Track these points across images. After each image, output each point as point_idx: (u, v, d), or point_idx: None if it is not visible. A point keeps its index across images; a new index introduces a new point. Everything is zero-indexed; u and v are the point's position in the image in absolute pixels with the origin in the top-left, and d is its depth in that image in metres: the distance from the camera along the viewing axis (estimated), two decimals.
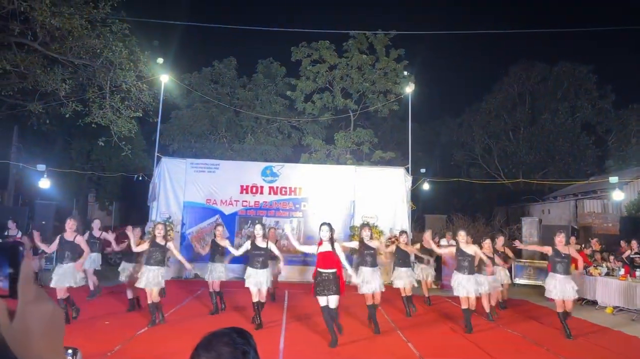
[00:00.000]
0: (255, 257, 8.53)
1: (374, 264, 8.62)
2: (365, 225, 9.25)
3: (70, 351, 1.57)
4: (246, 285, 8.53)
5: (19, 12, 12.98)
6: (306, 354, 7.05)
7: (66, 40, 14.31)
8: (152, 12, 20.83)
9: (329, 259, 7.31)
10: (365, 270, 8.57)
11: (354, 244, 9.10)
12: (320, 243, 7.49)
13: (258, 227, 8.72)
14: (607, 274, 11.75)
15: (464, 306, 8.69)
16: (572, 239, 12.84)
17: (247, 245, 8.73)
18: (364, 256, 8.67)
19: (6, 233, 12.35)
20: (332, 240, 7.44)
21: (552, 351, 7.50)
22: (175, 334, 7.82)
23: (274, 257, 9.22)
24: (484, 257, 9.08)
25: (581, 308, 11.66)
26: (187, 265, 9.33)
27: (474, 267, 8.80)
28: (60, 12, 13.22)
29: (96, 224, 11.57)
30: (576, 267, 9.52)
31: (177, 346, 7.00)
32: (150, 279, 8.35)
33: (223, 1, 47.10)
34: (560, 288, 8.41)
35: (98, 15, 14.36)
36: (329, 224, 7.56)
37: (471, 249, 8.81)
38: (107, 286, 11.80)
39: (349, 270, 7.78)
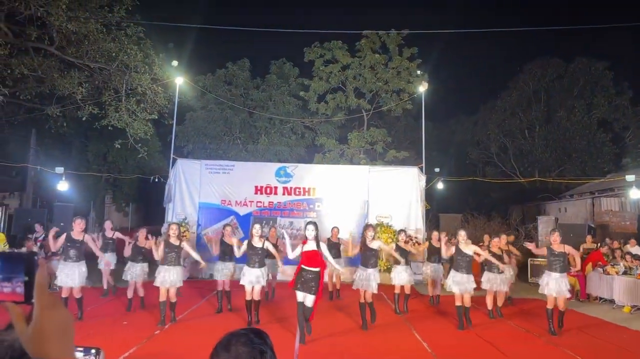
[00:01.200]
0: (252, 256, 8.75)
1: (374, 265, 8.84)
2: (368, 226, 9.41)
3: (93, 350, 1.63)
4: (241, 283, 8.76)
5: (36, 17, 13.20)
6: (321, 353, 7.09)
7: (82, 44, 14.51)
8: (166, 15, 21.02)
9: (313, 257, 7.55)
10: (363, 270, 8.80)
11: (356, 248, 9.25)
12: (304, 242, 7.72)
13: (257, 226, 8.90)
14: (625, 272, 11.62)
15: (458, 304, 8.93)
16: (589, 238, 12.73)
17: (244, 245, 8.88)
18: (365, 257, 8.86)
19: (34, 235, 12.64)
20: (317, 239, 7.69)
21: (564, 348, 7.45)
22: (193, 334, 7.91)
23: (273, 257, 9.41)
24: (484, 254, 9.22)
25: (597, 307, 11.57)
26: (202, 262, 9.32)
27: (470, 266, 9.02)
28: (76, 16, 13.41)
29: (108, 224, 11.78)
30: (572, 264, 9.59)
31: (195, 345, 7.09)
32: (167, 278, 8.51)
33: (236, 3, 47.33)
34: (554, 285, 8.55)
35: (113, 19, 14.55)
36: (314, 224, 7.85)
37: (470, 249, 9.03)
38: (121, 286, 11.95)
39: (333, 263, 8.45)
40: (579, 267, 9.84)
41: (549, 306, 8.69)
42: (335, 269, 8.62)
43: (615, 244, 13.17)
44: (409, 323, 9.32)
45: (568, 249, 8.91)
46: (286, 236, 8.48)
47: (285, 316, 9.61)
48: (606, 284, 11.85)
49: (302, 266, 7.59)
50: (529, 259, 14.48)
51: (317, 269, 7.51)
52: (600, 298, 12.08)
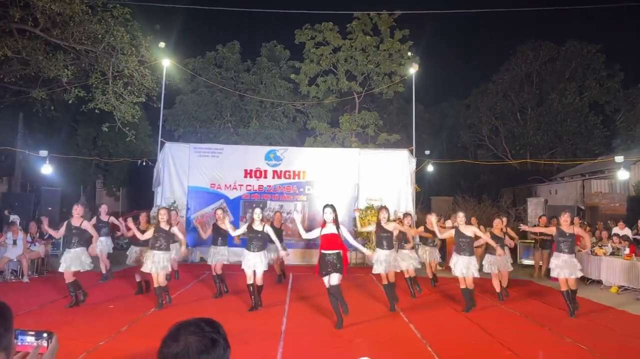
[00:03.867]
0: (252, 240, 8.59)
1: (390, 247, 8.83)
2: (383, 207, 9.34)
3: (45, 334, 1.57)
4: (242, 267, 8.64)
5: None
6: (308, 336, 7.07)
7: (67, 26, 14.27)
8: None
9: (333, 240, 7.36)
10: (381, 252, 8.81)
11: (372, 227, 9.27)
12: (323, 225, 7.53)
13: (257, 211, 8.72)
14: (613, 253, 11.69)
15: (462, 286, 8.89)
16: (576, 220, 12.75)
17: (244, 228, 8.79)
18: (381, 238, 8.87)
19: (10, 220, 12.59)
20: (336, 221, 7.47)
21: (554, 330, 7.48)
22: (181, 317, 7.87)
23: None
24: (484, 236, 9.20)
25: (585, 288, 11.61)
26: (183, 249, 9.41)
27: (473, 248, 8.95)
28: None
29: (103, 208, 11.74)
30: (581, 246, 9.59)
31: None
32: (156, 263, 8.44)
33: None
34: (564, 267, 8.51)
35: (99, 0, 14.30)
36: (332, 206, 7.57)
37: (469, 230, 8.96)
38: (115, 270, 11.94)
39: (363, 250, 8.38)
40: (589, 247, 9.80)
41: (563, 288, 8.63)
42: (363, 252, 8.54)
43: (600, 226, 13.28)
44: (399, 308, 9.20)
45: (577, 230, 8.92)
46: (297, 217, 8.06)
47: (276, 298, 9.58)
48: (594, 265, 11.92)
49: (322, 250, 7.41)
50: (519, 241, 14.54)
51: (337, 251, 7.35)
52: (588, 279, 12.14)
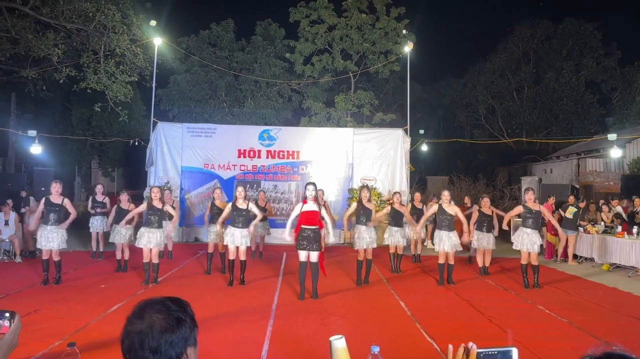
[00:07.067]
0: (237, 217, 8.86)
1: (368, 224, 9.13)
2: (364, 187, 9.69)
3: (7, 314, 1.55)
4: (224, 242, 8.99)
5: None
6: (298, 311, 7.12)
7: (57, 4, 14.08)
8: None
9: (312, 216, 7.75)
10: (360, 228, 9.14)
11: (353, 207, 9.43)
12: (305, 201, 7.86)
13: (240, 189, 9.03)
14: (605, 231, 11.73)
15: (441, 261, 9.29)
16: (571, 198, 12.77)
17: (228, 207, 9.04)
18: (360, 215, 9.19)
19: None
20: (317, 199, 7.85)
21: (542, 307, 7.53)
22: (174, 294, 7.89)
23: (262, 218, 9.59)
24: (462, 219, 9.36)
25: (578, 266, 11.70)
26: (170, 227, 9.66)
27: (453, 224, 9.30)
28: None
29: (99, 189, 11.73)
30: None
31: None
32: (151, 240, 8.61)
33: None
34: (527, 241, 9.01)
35: None
36: (314, 184, 8.00)
37: (452, 209, 9.29)
38: (110, 250, 11.97)
39: (330, 231, 8.30)
40: (554, 223, 9.95)
41: (523, 261, 9.18)
42: (329, 235, 8.65)
43: (592, 207, 13.33)
44: (388, 282, 9.40)
45: (542, 209, 9.33)
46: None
47: (268, 276, 9.69)
48: (586, 243, 11.97)
49: (302, 225, 7.77)
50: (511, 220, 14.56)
51: (315, 227, 7.73)
52: (580, 257, 12.21)
